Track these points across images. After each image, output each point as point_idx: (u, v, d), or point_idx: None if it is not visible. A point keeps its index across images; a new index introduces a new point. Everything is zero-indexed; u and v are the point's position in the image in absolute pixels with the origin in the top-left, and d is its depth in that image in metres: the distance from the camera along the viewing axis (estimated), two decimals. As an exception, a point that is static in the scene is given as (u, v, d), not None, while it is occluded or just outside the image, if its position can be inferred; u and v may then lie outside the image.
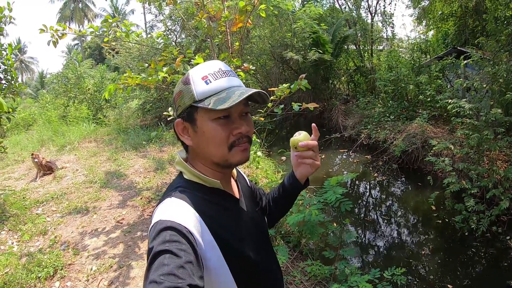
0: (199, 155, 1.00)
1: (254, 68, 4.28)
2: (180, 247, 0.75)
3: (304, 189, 1.27)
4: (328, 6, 16.08)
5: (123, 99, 14.53)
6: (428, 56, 12.69)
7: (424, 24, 15.68)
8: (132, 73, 3.66)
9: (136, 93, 13.09)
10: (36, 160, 6.42)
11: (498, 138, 5.40)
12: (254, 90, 0.93)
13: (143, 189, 5.80)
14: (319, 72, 12.94)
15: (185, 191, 0.93)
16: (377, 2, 14.05)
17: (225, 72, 0.97)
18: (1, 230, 4.55)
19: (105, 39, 4.02)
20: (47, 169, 6.69)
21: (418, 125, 8.25)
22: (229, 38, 4.34)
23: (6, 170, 7.44)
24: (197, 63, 3.56)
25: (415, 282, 4.16)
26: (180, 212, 0.85)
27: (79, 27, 40.20)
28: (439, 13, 13.35)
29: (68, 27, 3.69)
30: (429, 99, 8.76)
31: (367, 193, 7.42)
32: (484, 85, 6.01)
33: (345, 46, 13.48)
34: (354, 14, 14.57)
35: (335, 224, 4.73)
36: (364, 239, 5.33)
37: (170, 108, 3.99)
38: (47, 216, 4.94)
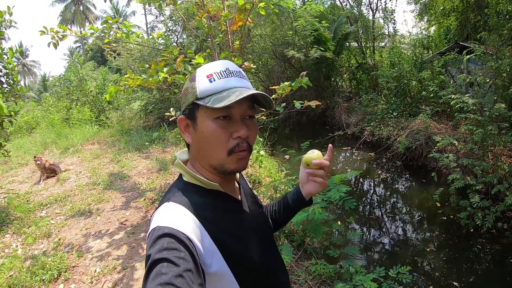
0: (198, 155, 0.98)
1: (255, 66, 4.27)
2: (179, 255, 0.73)
3: (307, 206, 1.30)
4: (329, 3, 16.02)
5: (125, 100, 14.53)
6: (430, 52, 12.63)
7: (425, 19, 15.62)
8: (134, 74, 3.65)
9: (138, 94, 13.10)
10: (38, 162, 6.43)
11: (502, 133, 5.36)
12: (254, 91, 0.89)
13: (146, 190, 5.80)
14: (321, 70, 12.91)
15: (184, 195, 0.91)
16: (378, -1, 14.00)
17: (232, 72, 0.94)
18: (5, 233, 4.56)
19: (106, 41, 4.01)
20: (50, 171, 6.71)
21: (422, 121, 8.21)
22: (229, 37, 4.32)
23: (9, 174, 7.46)
24: (198, 63, 3.56)
25: (421, 280, 4.13)
26: (178, 217, 0.83)
27: (80, 29, 40.33)
28: (441, 8, 13.30)
29: (69, 29, 3.69)
30: (432, 95, 8.71)
31: (371, 191, 7.39)
32: (487, 80, 5.97)
33: (347, 44, 13.44)
34: (355, 11, 14.51)
35: (339, 223, 4.72)
36: (368, 237, 5.31)
37: (172, 109, 3.97)
38: (51, 219, 4.95)
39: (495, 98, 5.86)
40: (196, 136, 0.94)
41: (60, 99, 14.93)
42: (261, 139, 6.50)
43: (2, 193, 6.06)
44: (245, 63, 3.95)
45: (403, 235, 5.30)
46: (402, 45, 13.83)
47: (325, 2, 15.98)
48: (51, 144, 9.78)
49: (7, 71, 5.01)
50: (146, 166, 7.20)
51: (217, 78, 0.92)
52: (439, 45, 13.26)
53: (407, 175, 7.65)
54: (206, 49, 5.55)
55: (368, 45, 14.37)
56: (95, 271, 3.59)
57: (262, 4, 3.77)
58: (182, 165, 0.98)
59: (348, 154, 9.78)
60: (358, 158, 9.17)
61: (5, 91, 5.03)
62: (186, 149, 1.07)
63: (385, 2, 13.93)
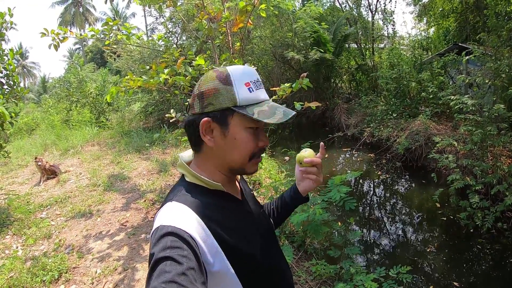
0: (215, 158, 0.97)
1: (255, 68, 4.27)
2: (182, 254, 0.74)
3: (304, 203, 1.34)
4: (328, 5, 16.03)
5: (126, 102, 14.54)
6: (430, 53, 12.65)
7: (425, 21, 15.65)
8: (134, 76, 3.66)
9: (138, 95, 13.12)
10: (39, 163, 6.43)
11: (502, 133, 5.36)
12: (294, 112, 0.95)
13: (146, 192, 5.81)
14: (321, 71, 12.92)
15: (187, 195, 0.92)
16: (377, 0, 14.01)
17: (261, 84, 0.98)
18: (6, 235, 4.56)
19: (106, 42, 4.02)
20: (50, 173, 6.72)
21: (421, 122, 8.22)
22: (230, 38, 4.33)
23: (10, 175, 7.47)
24: (198, 64, 3.57)
25: (421, 280, 4.14)
26: (181, 217, 0.84)
27: (80, 31, 40.34)
28: (440, 9, 13.33)
29: (69, 31, 3.70)
30: (431, 96, 8.72)
31: (371, 192, 7.40)
32: (487, 81, 5.98)
33: (346, 45, 13.45)
34: (354, 12, 14.52)
35: (339, 223, 4.72)
36: (369, 237, 5.31)
37: (172, 110, 3.98)
38: (51, 220, 4.96)
39: (494, 98, 5.88)
40: (224, 142, 0.94)
41: (60, 100, 14.94)
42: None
43: (2, 194, 6.07)
44: (245, 64, 3.96)
45: (403, 236, 5.31)
46: (401, 47, 13.85)
47: (324, 4, 16.00)
48: (51, 146, 9.79)
49: (8, 72, 5.02)
50: (146, 167, 7.21)
51: (255, 89, 0.95)
52: (438, 46, 13.28)
53: (407, 176, 7.66)
54: (206, 51, 5.57)
55: (367, 47, 14.38)
56: (96, 272, 3.59)
57: (263, 6, 3.79)
58: (186, 166, 0.98)
59: (348, 155, 9.79)
60: (358, 159, 9.18)
61: (6, 92, 5.03)
62: (190, 150, 1.08)
63: (384, 3, 13.90)
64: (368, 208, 6.51)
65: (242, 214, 1.04)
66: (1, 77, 5.03)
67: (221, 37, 4.36)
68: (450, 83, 9.24)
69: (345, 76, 15.21)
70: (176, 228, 0.79)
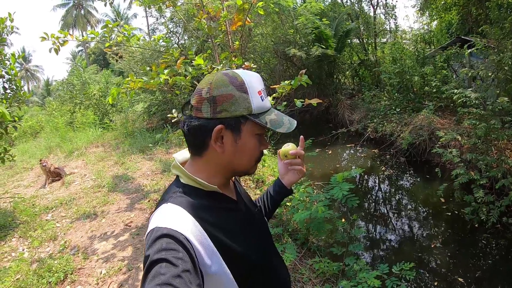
0: (219, 163, 0.97)
1: (255, 66, 4.27)
2: (177, 256, 0.74)
3: (290, 195, 1.39)
4: (329, 0, 15.95)
5: (129, 103, 14.58)
6: (432, 47, 12.58)
7: (427, 14, 15.54)
8: (136, 77, 3.67)
9: (141, 96, 13.15)
10: (45, 164, 6.47)
11: (506, 127, 5.33)
12: (295, 122, 1.04)
13: (150, 192, 5.83)
14: (323, 68, 12.86)
15: (182, 197, 0.91)
16: (379, -5, 13.94)
17: (265, 91, 1.01)
18: (12, 237, 4.60)
19: (107, 44, 4.03)
20: (55, 175, 6.76)
21: (425, 116, 8.18)
22: (230, 37, 4.33)
23: (15, 178, 7.53)
24: (198, 64, 3.57)
25: (426, 276, 4.12)
26: (176, 218, 0.84)
27: (82, 33, 40.47)
28: (442, 2, 13.22)
29: (69, 34, 3.71)
30: (434, 90, 8.68)
31: (376, 188, 7.38)
32: (490, 74, 5.94)
33: (348, 40, 13.35)
34: (356, 7, 14.46)
35: (343, 220, 4.72)
36: (373, 234, 5.30)
37: (174, 110, 3.98)
38: (57, 222, 4.99)
39: (498, 91, 5.83)
40: (235, 148, 0.95)
41: (64, 103, 15.02)
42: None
43: (8, 197, 6.11)
44: (245, 63, 3.96)
45: (407, 231, 5.29)
46: (404, 41, 13.77)
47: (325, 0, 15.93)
48: (55, 148, 9.85)
49: (10, 77, 5.05)
50: (150, 167, 7.23)
51: (265, 97, 0.97)
52: (441, 39, 13.21)
53: (411, 171, 7.63)
54: (207, 50, 5.57)
55: (369, 42, 14.29)
56: (101, 273, 3.61)
57: (260, 4, 3.77)
58: (181, 167, 0.98)
59: (352, 151, 9.77)
60: (362, 155, 9.16)
61: (9, 96, 5.07)
62: (184, 151, 1.08)
63: (385, -3, 13.84)
64: (372, 204, 6.49)
65: (238, 214, 1.04)
66: (4, 82, 5.07)
67: (221, 35, 4.36)
68: (454, 77, 9.19)
69: (347, 72, 15.14)
70: (171, 230, 0.79)
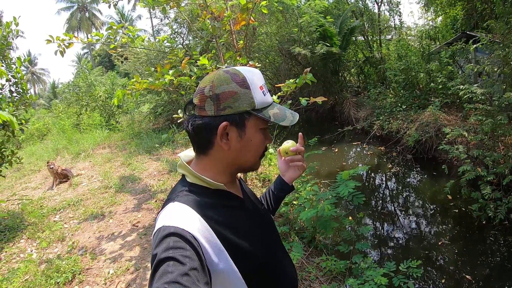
0: (225, 160, 0.98)
1: (260, 65, 4.27)
2: (184, 254, 0.74)
3: (292, 191, 1.41)
4: (333, -2, 15.90)
5: (135, 104, 14.64)
6: (438, 43, 12.48)
7: (431, 10, 15.41)
8: (141, 78, 3.69)
9: (147, 97, 13.20)
10: (52, 166, 6.52)
11: (512, 122, 5.29)
12: (297, 115, 1.03)
13: (157, 192, 5.85)
14: (328, 66, 12.84)
15: (189, 195, 0.92)
16: (383, -9, 13.87)
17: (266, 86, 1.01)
18: (20, 239, 4.64)
19: (111, 46, 4.06)
20: (63, 177, 6.81)
21: (431, 113, 8.13)
22: (234, 37, 4.33)
23: (22, 180, 7.59)
24: (203, 64, 3.58)
25: (433, 273, 4.11)
26: (183, 217, 0.84)
27: (87, 36, 40.69)
28: (447, -2, 13.11)
29: (74, 36, 3.74)
30: (440, 87, 8.62)
31: (382, 185, 7.35)
32: (496, 69, 5.88)
33: (353, 38, 13.31)
34: (360, 4, 14.38)
35: (350, 218, 4.70)
36: (380, 231, 5.29)
37: (180, 111, 4.00)
38: (65, 223, 5.03)
39: (504, 87, 5.77)
40: (241, 143, 0.95)
41: (70, 105, 15.13)
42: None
43: (16, 199, 6.17)
44: (250, 62, 3.96)
45: (414, 229, 5.27)
46: (409, 37, 13.69)
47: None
48: (62, 150, 9.92)
49: (16, 80, 5.10)
50: (156, 168, 7.26)
51: (266, 92, 0.98)
52: (446, 35, 13.10)
53: (418, 168, 7.60)
54: (212, 50, 5.57)
55: (374, 39, 14.24)
56: (109, 273, 3.64)
57: (264, 3, 3.78)
58: (187, 166, 0.98)
59: (358, 149, 9.75)
60: (368, 153, 9.13)
61: (15, 99, 5.11)
62: (188, 150, 1.09)
63: (390, -6, 13.76)
64: (379, 201, 6.47)
65: (244, 212, 1.04)
66: (10, 85, 5.11)
67: (225, 35, 4.36)
68: (459, 73, 9.12)
69: (353, 69, 15.11)
70: (178, 229, 0.80)
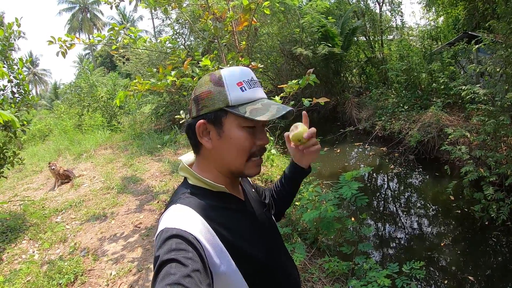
0: (215, 160, 0.98)
1: (262, 66, 4.27)
2: (187, 256, 0.74)
3: (309, 174, 1.33)
4: (335, -2, 15.89)
5: (136, 104, 14.65)
6: (439, 43, 12.47)
7: (433, 10, 15.39)
8: (143, 79, 3.69)
9: (149, 98, 13.21)
10: (53, 167, 6.52)
11: (515, 123, 5.27)
12: (290, 108, 0.97)
13: (159, 193, 5.85)
14: (330, 66, 12.84)
15: (191, 197, 0.93)
16: (385, -9, 13.84)
17: (256, 82, 0.99)
18: (22, 240, 4.64)
19: (113, 47, 4.06)
20: (64, 177, 6.81)
21: (433, 113, 8.12)
22: (236, 37, 4.33)
23: (24, 181, 7.60)
24: (205, 65, 3.58)
25: (436, 274, 4.09)
26: (186, 219, 0.85)
27: (88, 37, 40.74)
28: (448, -2, 13.10)
29: (76, 37, 3.74)
30: (442, 87, 8.61)
31: (385, 186, 7.34)
32: (498, 69, 5.87)
33: (355, 38, 13.32)
34: (361, 4, 14.37)
35: (353, 219, 4.70)
36: (382, 232, 5.28)
37: (182, 111, 4.00)
38: (67, 224, 5.03)
39: (506, 87, 5.75)
40: (220, 142, 0.95)
41: (72, 106, 15.13)
42: (272, 138, 6.52)
43: (18, 200, 6.17)
44: (252, 62, 3.96)
45: (417, 230, 5.26)
46: (410, 38, 13.67)
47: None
48: (64, 151, 9.92)
49: (18, 81, 5.10)
50: (158, 169, 7.26)
51: (248, 88, 0.95)
52: (448, 35, 13.08)
53: (420, 169, 7.59)
54: (213, 51, 5.57)
55: (376, 39, 14.22)
56: (111, 274, 3.63)
57: (266, 4, 3.77)
58: (188, 169, 0.99)
59: (360, 150, 9.73)
60: (370, 153, 9.12)
61: (17, 100, 5.11)
62: (190, 153, 1.09)
63: (391, -6, 13.74)
64: (382, 202, 6.47)
65: (246, 215, 1.04)
66: (12, 86, 5.12)
67: (227, 36, 4.36)
68: (461, 73, 9.11)
69: (354, 70, 15.09)
70: (181, 231, 0.80)
